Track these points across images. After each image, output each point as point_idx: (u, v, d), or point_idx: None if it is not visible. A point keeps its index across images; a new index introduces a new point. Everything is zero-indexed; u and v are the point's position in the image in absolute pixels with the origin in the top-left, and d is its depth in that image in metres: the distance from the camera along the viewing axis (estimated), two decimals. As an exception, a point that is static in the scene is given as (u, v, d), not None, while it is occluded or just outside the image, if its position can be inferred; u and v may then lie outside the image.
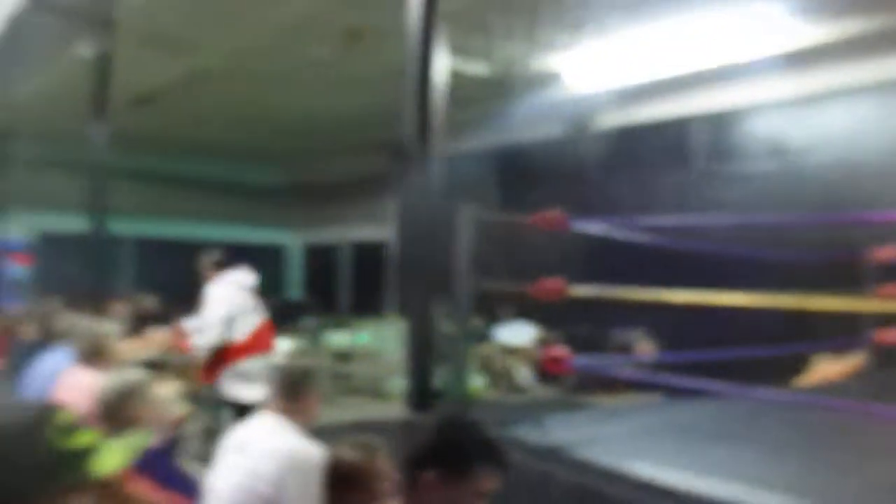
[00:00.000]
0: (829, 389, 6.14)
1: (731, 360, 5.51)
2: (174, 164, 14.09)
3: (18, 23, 6.46)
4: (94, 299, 6.25)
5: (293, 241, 16.49)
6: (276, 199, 16.27)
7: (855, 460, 3.64)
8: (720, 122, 8.71)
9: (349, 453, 2.32)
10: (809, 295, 4.48)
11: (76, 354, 4.15)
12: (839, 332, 6.40)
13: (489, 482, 1.77)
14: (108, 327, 4.35)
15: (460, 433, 1.80)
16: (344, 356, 10.13)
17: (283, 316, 12.10)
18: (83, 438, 2.86)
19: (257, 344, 6.10)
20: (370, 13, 7.13)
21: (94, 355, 3.94)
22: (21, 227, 12.36)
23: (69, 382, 3.84)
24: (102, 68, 6.52)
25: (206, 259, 6.34)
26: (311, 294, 14.72)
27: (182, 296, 9.05)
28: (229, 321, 5.94)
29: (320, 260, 15.84)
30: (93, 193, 6.51)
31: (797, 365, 6.99)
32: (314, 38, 7.88)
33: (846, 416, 4.46)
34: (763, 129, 8.32)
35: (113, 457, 1.33)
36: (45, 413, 1.34)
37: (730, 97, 8.46)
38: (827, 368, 6.89)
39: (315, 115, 11.38)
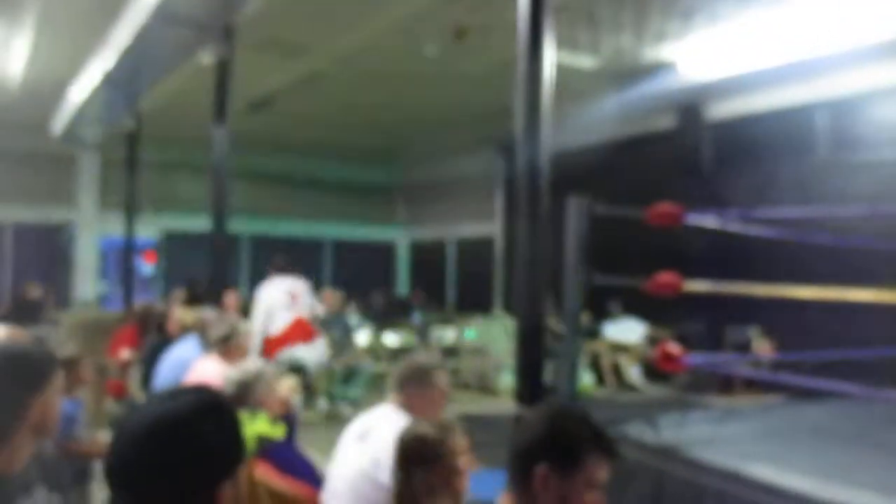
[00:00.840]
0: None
1: (859, 359, 5.21)
2: (289, 165, 14.64)
3: (144, 34, 6.86)
4: (212, 293, 6.57)
5: (402, 237, 16.81)
6: (386, 197, 16.63)
7: None
8: (841, 110, 8.23)
9: (425, 428, 2.33)
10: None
11: (207, 344, 4.39)
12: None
13: (601, 472, 1.75)
14: (236, 320, 4.58)
15: (570, 424, 1.78)
16: (451, 351, 10.24)
17: (391, 312, 12.42)
18: (260, 423, 3.06)
19: (289, 337, 6.99)
20: (477, 10, 7.16)
21: (224, 345, 4.17)
22: (149, 227, 13.17)
23: (200, 370, 4.08)
24: (222, 74, 6.83)
25: (272, 261, 7.48)
26: (418, 290, 14.96)
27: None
28: (268, 316, 6.99)
29: (428, 256, 16.07)
30: (214, 194, 6.84)
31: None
32: (422, 36, 7.99)
33: None
34: (887, 115, 7.80)
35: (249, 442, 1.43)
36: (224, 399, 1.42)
37: (850, 83, 7.97)
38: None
39: (424, 113, 11.55)
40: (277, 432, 3.09)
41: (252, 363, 3.59)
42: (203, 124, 7.31)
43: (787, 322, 7.62)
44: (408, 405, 2.95)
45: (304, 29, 7.79)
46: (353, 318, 9.92)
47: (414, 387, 2.98)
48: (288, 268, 7.38)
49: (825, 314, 6.47)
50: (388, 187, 16.60)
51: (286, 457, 3.12)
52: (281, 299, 7.11)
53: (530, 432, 1.77)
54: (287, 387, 3.57)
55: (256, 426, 2.99)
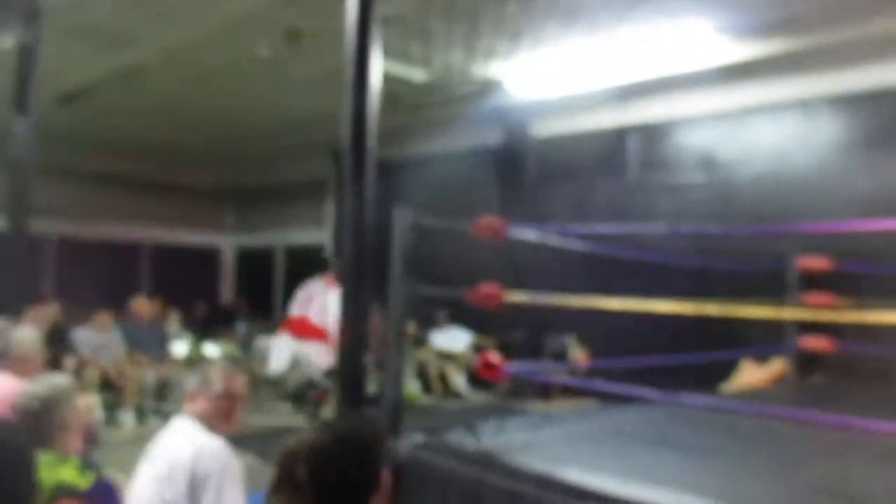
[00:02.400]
0: (755, 395, 6.33)
1: (662, 365, 5.63)
2: (106, 163, 13.64)
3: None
4: (11, 303, 5.97)
5: (228, 243, 16.17)
6: (211, 200, 15.93)
7: (780, 465, 3.75)
8: (653, 134, 8.91)
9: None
10: (737, 302, 4.60)
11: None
12: (765, 339, 6.62)
13: (386, 479, 1.66)
14: (30, 332, 4.15)
15: (372, 449, 1.64)
16: (277, 361, 9.93)
17: (214, 321, 11.89)
18: (67, 470, 2.77)
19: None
20: (311, 14, 7.04)
21: (16, 361, 3.76)
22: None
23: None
24: (25, 61, 6.24)
25: None
26: (244, 298, 14.44)
27: (98, 299, 8.78)
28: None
29: (255, 263, 15.57)
30: (12, 191, 6.22)
31: (725, 371, 7.19)
32: (254, 36, 7.75)
33: (772, 421, 4.60)
34: (694, 141, 8.55)
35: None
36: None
37: (662, 110, 8.66)
38: (753, 374, 7.12)
39: (255, 116, 11.18)
40: (82, 482, 2.77)
41: (57, 378, 3.24)
42: (5, 115, 6.65)
43: (600, 331, 8.10)
44: (203, 415, 2.84)
45: (126, 17, 7.30)
46: (172, 327, 9.39)
47: (208, 395, 2.87)
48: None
49: (633, 324, 6.94)
50: (216, 191, 15.92)
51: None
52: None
53: (337, 467, 1.59)
54: (86, 405, 3.27)
55: (61, 473, 2.67)
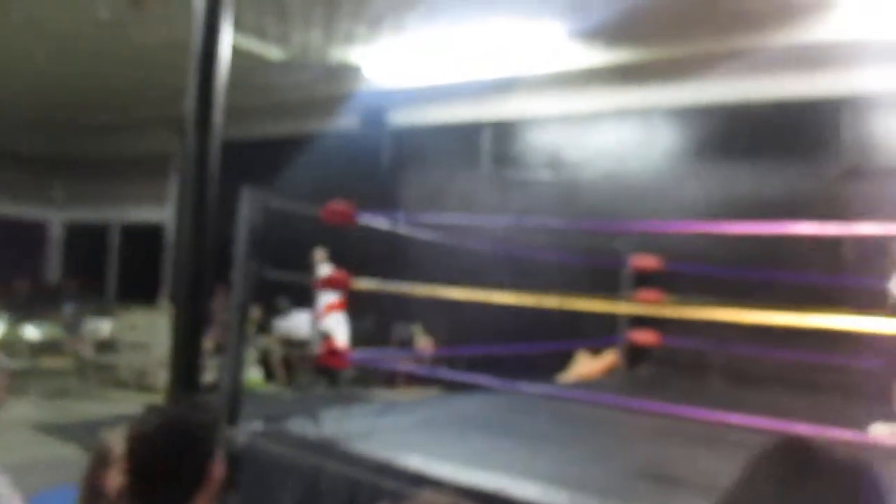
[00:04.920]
0: (588, 384, 6.67)
1: (504, 355, 5.80)
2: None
3: None
4: None
5: (55, 217, 14.97)
6: (39, 171, 14.66)
7: (606, 449, 3.97)
8: (505, 131, 9.15)
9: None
10: (575, 296, 4.81)
11: None
12: (599, 332, 6.99)
13: (220, 471, 1.57)
14: None
15: (203, 440, 1.54)
16: (108, 346, 9.36)
17: (37, 301, 10.98)
18: None
19: None
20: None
21: None
22: None
23: None
24: None
25: None
26: (72, 277, 13.44)
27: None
28: None
29: (86, 240, 14.53)
30: None
31: (561, 361, 7.54)
32: (91, -4, 7.19)
33: (601, 409, 4.86)
34: (543, 140, 8.87)
35: None
36: None
37: (515, 108, 8.92)
38: (587, 364, 7.50)
39: (92, 82, 10.40)
40: None
41: None
42: None
43: (446, 320, 8.24)
44: None
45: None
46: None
47: None
48: None
49: (477, 314, 7.12)
50: (45, 160, 14.66)
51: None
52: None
53: (159, 457, 1.48)
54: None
55: None
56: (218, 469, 1.51)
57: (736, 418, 3.38)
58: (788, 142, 7.13)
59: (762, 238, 6.13)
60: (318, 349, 8.14)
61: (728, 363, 6.75)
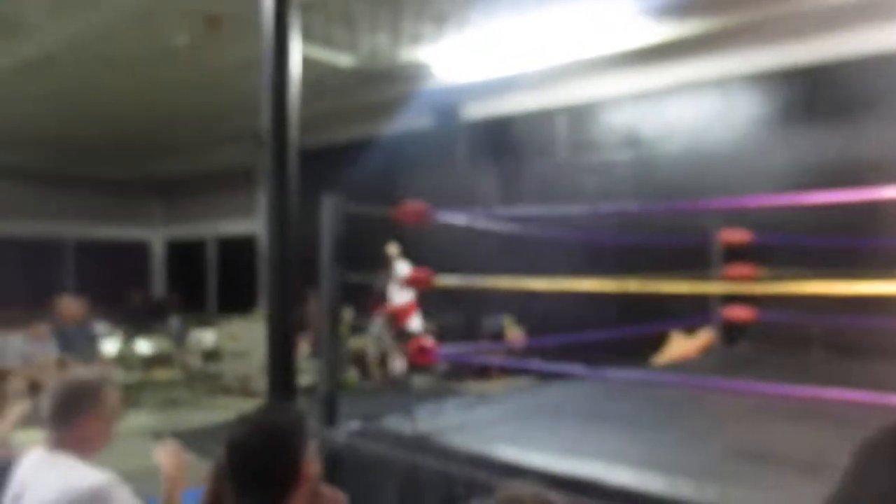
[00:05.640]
0: (683, 366, 6.54)
1: (596, 341, 5.76)
2: (15, 157, 13.09)
3: None
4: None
5: (156, 236, 15.75)
6: (138, 193, 15.48)
7: (703, 431, 3.89)
8: (580, 115, 9.04)
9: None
10: (663, 277, 4.73)
11: None
12: (691, 312, 6.84)
13: (315, 469, 1.64)
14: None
15: (285, 436, 1.61)
16: (213, 355, 9.79)
17: (146, 317, 11.61)
18: None
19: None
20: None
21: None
22: None
23: None
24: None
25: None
26: (175, 292, 14.12)
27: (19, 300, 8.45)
28: None
29: (185, 256, 15.23)
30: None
31: (654, 343, 7.41)
32: (169, 24, 7.53)
33: (700, 390, 4.76)
34: (618, 121, 8.72)
35: None
36: None
37: (587, 91, 8.80)
38: (681, 345, 7.35)
39: (177, 105, 10.90)
40: None
41: None
42: None
43: (535, 310, 8.23)
44: (59, 443, 2.19)
45: (22, 5, 6.99)
46: (99, 326, 9.12)
47: (60, 420, 2.19)
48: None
49: (566, 302, 7.08)
50: (141, 183, 15.47)
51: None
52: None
53: (253, 459, 1.55)
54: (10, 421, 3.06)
55: None
56: (311, 467, 1.59)
57: (836, 393, 3.26)
58: (876, 100, 6.75)
59: (855, 204, 5.85)
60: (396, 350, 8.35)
61: (828, 335, 6.49)
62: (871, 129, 6.75)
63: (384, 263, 8.31)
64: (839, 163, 6.69)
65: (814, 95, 7.15)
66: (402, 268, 8.14)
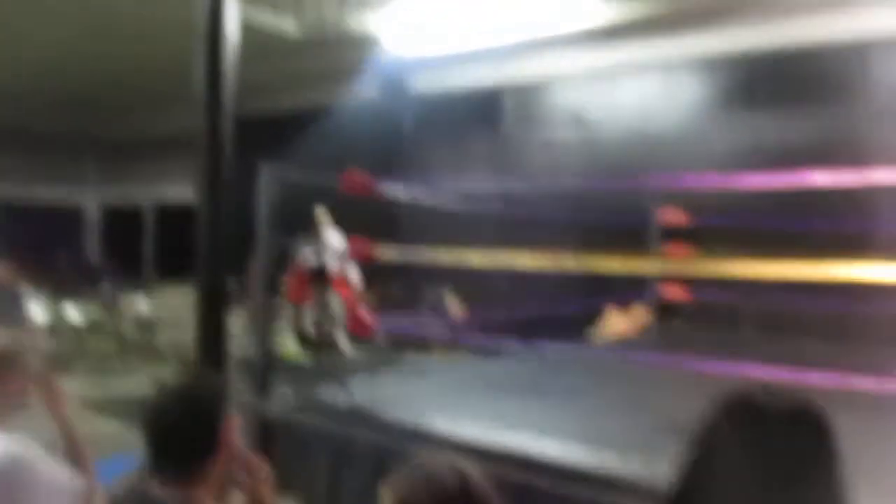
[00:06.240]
0: (619, 341, 6.68)
1: (533, 316, 5.83)
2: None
3: None
4: None
5: (91, 199, 15.26)
6: (70, 154, 14.89)
7: (633, 405, 3.99)
8: (527, 92, 9.05)
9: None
10: (602, 253, 4.80)
11: None
12: (628, 288, 6.97)
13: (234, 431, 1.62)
14: None
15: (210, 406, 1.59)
16: (147, 323, 9.59)
17: (78, 280, 11.24)
18: None
19: None
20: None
21: None
22: None
23: None
24: None
25: None
26: (111, 258, 13.73)
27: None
28: None
29: (122, 221, 14.81)
30: None
31: (591, 319, 7.53)
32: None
33: (635, 365, 4.87)
34: (565, 99, 8.76)
35: None
36: None
37: (535, 69, 8.80)
38: (617, 321, 7.49)
39: (120, 63, 10.44)
40: None
41: None
42: None
43: (475, 283, 8.26)
44: None
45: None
46: (28, 291, 8.80)
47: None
48: None
49: (506, 276, 7.14)
50: (76, 143, 14.87)
51: None
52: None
53: (168, 426, 1.54)
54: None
55: None
56: (229, 434, 1.58)
57: (760, 370, 3.37)
58: (814, 88, 6.93)
59: (790, 188, 6.02)
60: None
61: (759, 314, 6.70)
62: (809, 115, 6.93)
63: (312, 230, 7.75)
64: (776, 147, 6.86)
65: (754, 81, 7.29)
66: (333, 236, 7.75)
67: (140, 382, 7.82)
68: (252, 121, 4.31)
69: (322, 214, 7.77)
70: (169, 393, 1.58)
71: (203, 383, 1.65)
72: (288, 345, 8.78)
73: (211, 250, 3.12)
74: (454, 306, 8.78)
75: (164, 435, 1.53)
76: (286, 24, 8.26)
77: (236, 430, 1.61)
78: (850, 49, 6.67)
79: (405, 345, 8.70)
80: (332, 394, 4.08)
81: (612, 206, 6.89)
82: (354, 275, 7.80)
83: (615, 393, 4.34)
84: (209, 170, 3.10)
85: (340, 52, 9.38)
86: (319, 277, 7.69)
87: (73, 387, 7.44)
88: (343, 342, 9.34)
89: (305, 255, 7.61)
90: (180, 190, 13.36)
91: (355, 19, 8.35)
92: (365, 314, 3.97)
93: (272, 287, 3.97)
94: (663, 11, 7.46)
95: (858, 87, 6.73)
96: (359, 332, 4.26)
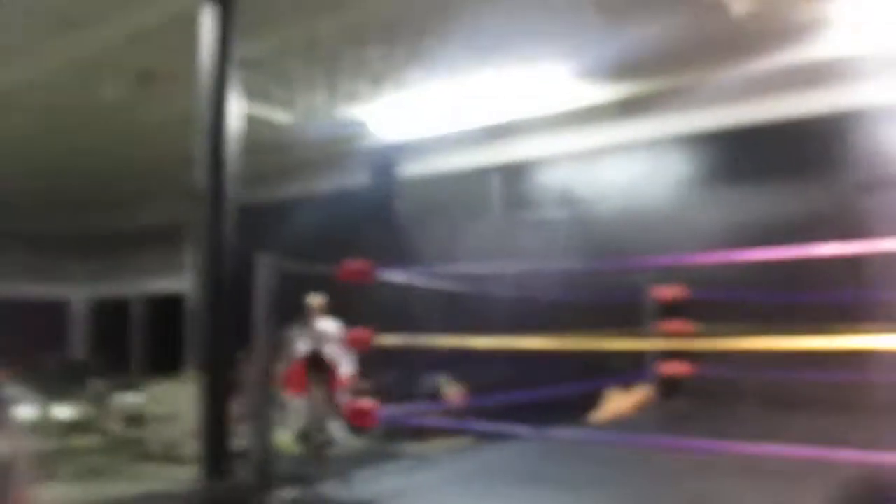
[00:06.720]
0: (622, 423, 6.55)
1: (533, 400, 5.71)
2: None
3: None
4: None
5: (77, 294, 15.12)
6: (56, 249, 14.85)
7: (649, 490, 3.86)
8: (515, 173, 9.19)
9: None
10: (599, 334, 4.75)
11: None
12: (628, 368, 6.89)
13: None
14: None
15: None
16: (136, 420, 9.33)
17: (65, 379, 11.00)
18: None
19: None
20: (163, 55, 6.79)
21: None
22: None
23: None
24: None
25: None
26: (98, 353, 13.50)
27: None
28: None
29: (109, 315, 14.64)
30: None
31: (592, 400, 7.41)
32: (101, 77, 7.37)
33: (640, 448, 4.75)
34: (554, 179, 8.89)
35: None
36: None
37: (522, 150, 8.97)
38: (619, 401, 7.37)
39: (102, 160, 10.59)
40: None
41: None
42: None
43: (472, 369, 8.15)
44: None
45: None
46: (13, 391, 8.59)
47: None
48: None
49: (503, 360, 7.05)
50: (62, 238, 14.84)
51: None
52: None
53: None
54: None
55: None
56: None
57: (774, 449, 3.28)
58: (799, 160, 7.09)
59: (782, 260, 6.05)
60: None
61: (762, 389, 6.62)
62: (795, 187, 7.05)
63: (306, 317, 7.39)
64: (766, 219, 6.94)
65: (740, 156, 7.45)
66: (327, 324, 7.44)
67: (129, 484, 7.55)
68: (242, 210, 4.31)
69: (316, 299, 7.49)
70: None
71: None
72: (283, 437, 8.55)
73: (215, 343, 3.05)
74: (452, 392, 8.64)
75: None
76: (278, 116, 8.41)
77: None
78: (831, 120, 6.86)
79: (402, 434, 8.51)
80: (333, 488, 3.94)
81: (606, 285, 6.90)
82: (347, 364, 7.58)
83: (624, 477, 4.22)
84: (212, 261, 3.07)
85: (329, 142, 9.54)
86: (316, 365, 7.44)
87: (59, 491, 7.19)
88: (339, 432, 9.13)
89: (298, 346, 7.36)
90: (166, 281, 13.29)
91: (344, 110, 8.53)
92: (366, 404, 3.87)
93: (267, 379, 3.87)
94: (647, 90, 7.67)
95: (842, 158, 6.89)
96: (360, 423, 4.14)
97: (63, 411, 8.84)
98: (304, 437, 7.57)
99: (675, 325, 6.68)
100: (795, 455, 3.27)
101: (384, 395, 8.36)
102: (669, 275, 6.79)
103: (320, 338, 7.32)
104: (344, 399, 7.51)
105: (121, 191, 12.54)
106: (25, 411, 8.35)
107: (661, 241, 7.54)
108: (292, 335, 7.24)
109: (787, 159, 7.16)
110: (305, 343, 7.34)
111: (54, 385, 10.21)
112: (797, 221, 6.68)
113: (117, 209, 13.61)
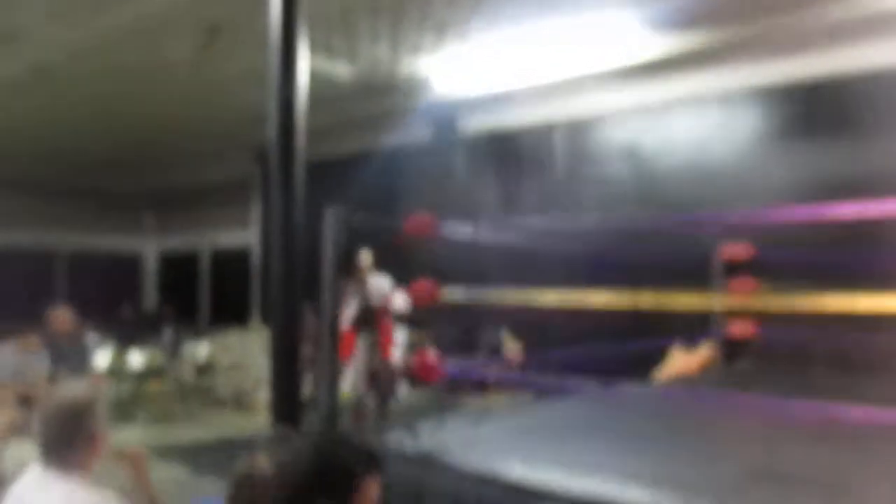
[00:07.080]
0: (685, 382, 6.49)
1: (594, 356, 5.70)
2: (10, 168, 12.98)
3: None
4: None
5: (149, 248, 15.64)
6: (129, 205, 15.38)
7: (713, 449, 3.84)
8: (581, 128, 9.02)
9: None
10: (665, 291, 4.69)
11: None
12: (693, 327, 6.79)
13: (374, 490, 1.70)
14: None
15: (341, 454, 1.69)
16: (206, 368, 9.69)
17: (139, 329, 11.48)
18: None
19: None
20: (230, 9, 6.84)
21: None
22: None
23: None
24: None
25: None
26: (168, 304, 14.00)
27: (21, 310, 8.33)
28: None
29: (178, 268, 15.12)
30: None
31: (655, 358, 7.35)
32: (169, 34, 7.48)
33: (702, 406, 4.71)
34: (619, 134, 8.70)
35: None
36: None
37: (589, 104, 8.78)
38: (682, 361, 7.29)
39: (173, 117, 10.82)
40: None
41: None
42: None
43: (534, 323, 8.16)
44: (65, 461, 2.19)
45: (18, 14, 6.92)
46: (92, 338, 8.99)
47: (67, 436, 2.21)
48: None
49: (566, 315, 7.02)
50: (134, 195, 15.37)
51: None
52: None
53: (301, 468, 1.64)
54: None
55: None
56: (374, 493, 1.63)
57: (844, 411, 3.21)
58: (879, 114, 6.75)
59: (856, 219, 5.83)
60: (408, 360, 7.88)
61: (831, 351, 6.44)
62: (875, 144, 6.74)
63: (356, 277, 7.08)
64: (841, 178, 6.67)
65: (817, 110, 7.14)
66: (381, 283, 7.19)
67: (201, 429, 7.89)
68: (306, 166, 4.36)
69: (366, 256, 7.37)
70: (306, 454, 1.65)
71: (340, 446, 1.72)
72: (343, 387, 8.75)
73: (286, 296, 3.12)
74: (513, 348, 8.68)
75: (302, 495, 1.57)
76: (341, 70, 8.42)
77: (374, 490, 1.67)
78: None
79: (463, 389, 8.62)
80: (397, 438, 4.02)
81: (672, 242, 6.76)
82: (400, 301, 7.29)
83: (688, 435, 4.19)
84: (283, 215, 3.12)
85: (392, 96, 9.52)
86: (367, 317, 7.25)
87: (135, 433, 7.56)
88: (399, 387, 9.29)
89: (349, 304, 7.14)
90: (233, 235, 13.64)
91: (407, 63, 8.48)
92: (431, 357, 3.92)
93: (335, 331, 3.94)
94: (718, 41, 7.39)
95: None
96: (424, 377, 4.20)
97: (137, 359, 9.22)
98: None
99: (743, 284, 6.54)
100: (864, 417, 3.19)
101: (443, 348, 8.49)
102: (737, 233, 6.63)
103: (371, 296, 7.27)
104: (398, 354, 7.52)
105: (191, 148, 12.82)
106: (103, 358, 8.75)
107: (729, 198, 7.33)
108: (347, 291, 7.13)
109: (863, 114, 6.82)
110: (356, 300, 7.20)
111: (129, 334, 10.66)
112: (870, 179, 6.40)
113: (188, 166, 13.94)
